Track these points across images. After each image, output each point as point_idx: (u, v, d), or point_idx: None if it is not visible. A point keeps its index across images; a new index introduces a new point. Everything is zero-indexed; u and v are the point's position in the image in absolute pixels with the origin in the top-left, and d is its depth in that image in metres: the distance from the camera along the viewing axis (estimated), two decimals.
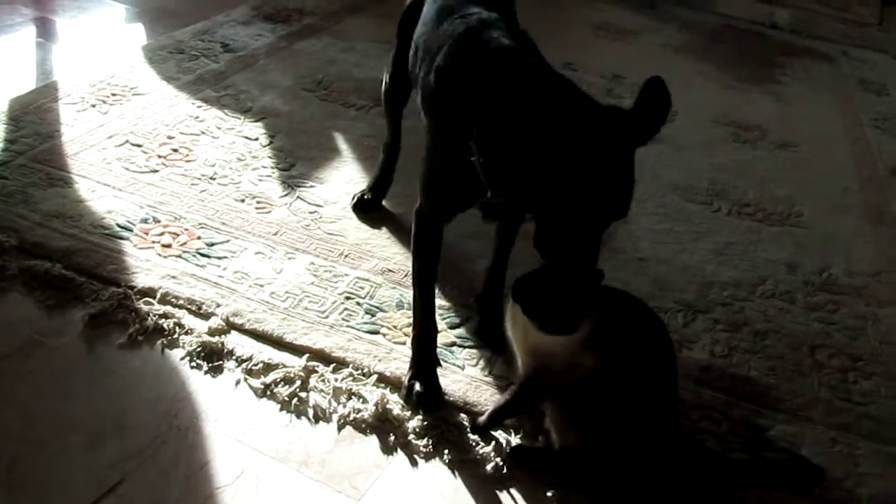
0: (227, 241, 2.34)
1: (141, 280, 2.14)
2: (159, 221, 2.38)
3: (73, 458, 1.67)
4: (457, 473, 1.75)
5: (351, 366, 1.96)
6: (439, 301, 2.13)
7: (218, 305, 2.09)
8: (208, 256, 2.27)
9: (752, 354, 2.20)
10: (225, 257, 2.27)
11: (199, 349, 1.96)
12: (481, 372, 2.00)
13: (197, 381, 1.89)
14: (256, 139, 2.89)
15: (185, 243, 2.30)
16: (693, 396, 2.02)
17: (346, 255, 2.35)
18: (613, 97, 3.66)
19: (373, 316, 2.13)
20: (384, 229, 2.49)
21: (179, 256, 2.25)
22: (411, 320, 1.99)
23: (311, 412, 1.85)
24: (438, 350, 1.99)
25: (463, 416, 1.87)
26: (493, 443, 1.81)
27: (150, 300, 2.08)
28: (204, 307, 2.08)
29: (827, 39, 4.93)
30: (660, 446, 1.70)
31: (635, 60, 4.15)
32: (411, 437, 1.81)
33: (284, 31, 3.83)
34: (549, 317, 1.57)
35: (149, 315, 2.03)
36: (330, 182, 2.70)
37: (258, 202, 2.54)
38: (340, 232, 2.45)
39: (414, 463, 1.77)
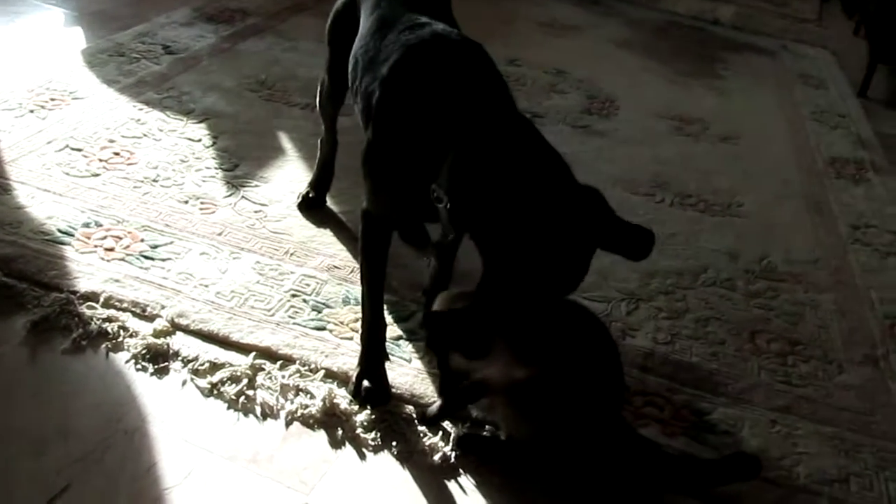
0: (171, 242, 2.33)
1: (84, 285, 2.11)
2: (101, 225, 2.35)
3: (17, 466, 1.64)
4: (405, 465, 1.76)
5: (298, 362, 1.97)
6: (387, 296, 2.14)
7: (163, 307, 2.07)
8: (152, 259, 2.25)
9: (694, 341, 2.24)
10: (169, 259, 2.26)
11: (144, 352, 1.94)
12: (428, 365, 2.01)
13: (143, 384, 1.87)
14: (199, 140, 2.88)
15: (128, 246, 2.28)
16: (637, 383, 2.05)
17: (291, 254, 2.35)
18: (557, 92, 3.70)
19: (319, 312, 2.13)
20: (329, 227, 2.49)
21: (123, 260, 2.23)
22: (359, 316, 2.00)
23: (258, 410, 1.84)
24: (386, 344, 2.00)
25: (410, 408, 1.88)
26: (441, 433, 1.82)
27: (94, 304, 2.05)
28: (148, 309, 2.06)
29: (767, 35, 5.04)
30: (604, 439, 1.72)
31: (579, 56, 4.20)
32: (359, 430, 1.81)
33: (227, 32, 3.81)
34: (460, 347, 1.65)
35: (92, 319, 2.00)
36: (275, 181, 2.70)
37: (202, 203, 2.53)
38: (286, 230, 2.45)
39: (362, 456, 1.77)
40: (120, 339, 1.97)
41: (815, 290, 2.54)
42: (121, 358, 1.93)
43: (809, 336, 2.33)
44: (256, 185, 2.66)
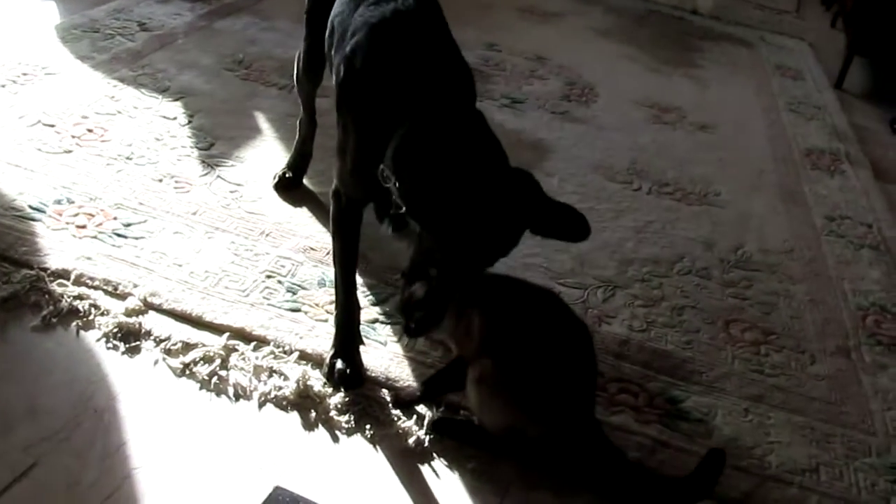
0: (145, 221, 2.30)
1: (54, 262, 2.08)
2: (73, 202, 2.32)
3: None
4: (378, 448, 1.76)
5: (272, 343, 1.95)
6: (363, 278, 2.13)
7: (135, 286, 2.05)
8: (125, 237, 2.22)
9: (670, 329, 2.24)
10: (142, 238, 2.23)
11: (115, 330, 1.92)
12: (403, 348, 2.00)
13: (113, 363, 1.85)
14: (175, 119, 2.84)
15: (100, 224, 2.25)
16: (612, 370, 2.05)
17: (267, 234, 2.33)
18: (537, 77, 3.69)
19: (294, 294, 2.12)
20: (305, 207, 2.47)
21: (95, 237, 2.20)
22: (334, 298, 1.99)
23: (231, 391, 1.83)
24: (361, 326, 1.98)
25: (385, 391, 1.88)
26: (415, 417, 1.81)
27: (65, 282, 2.03)
28: (120, 288, 2.04)
29: (746, 25, 5.06)
30: (572, 433, 1.72)
31: (559, 43, 4.19)
32: (333, 413, 1.80)
33: (204, 10, 3.77)
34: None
35: (63, 297, 1.98)
36: (250, 161, 2.67)
37: (177, 182, 2.50)
38: (261, 211, 2.43)
39: (335, 439, 1.76)
40: (91, 317, 1.95)
41: (789, 280, 2.55)
42: (91, 336, 1.91)
43: (783, 326, 2.34)
44: (232, 165, 2.63)
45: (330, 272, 2.17)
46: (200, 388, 1.83)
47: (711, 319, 2.31)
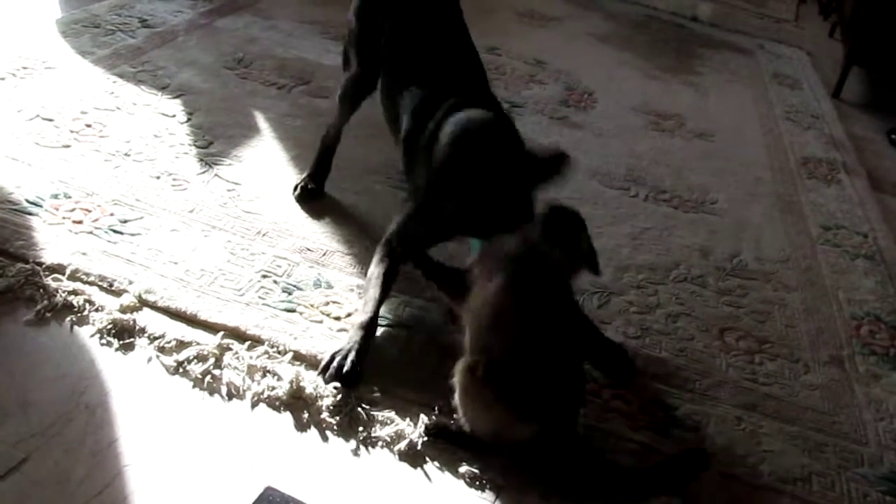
0: (142, 217, 2.29)
1: (50, 256, 2.08)
2: (70, 197, 2.31)
3: None
4: (370, 451, 1.75)
5: (266, 343, 1.95)
6: (360, 281, 2.14)
7: (130, 282, 2.04)
8: (121, 233, 2.21)
9: (664, 336, 2.24)
10: (138, 234, 2.22)
11: (109, 326, 1.91)
12: (399, 353, 2.01)
13: (107, 359, 1.84)
14: (174, 116, 2.83)
15: (97, 219, 2.25)
16: (605, 376, 2.05)
17: (263, 234, 2.33)
18: (536, 82, 3.70)
19: (290, 294, 2.11)
20: (300, 208, 2.47)
21: (91, 233, 2.19)
22: (329, 299, 2.03)
23: (224, 389, 1.82)
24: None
25: (378, 394, 1.87)
26: (407, 420, 1.81)
27: (60, 277, 2.02)
28: (116, 284, 2.03)
29: (745, 33, 5.07)
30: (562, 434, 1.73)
31: (558, 47, 4.20)
32: (325, 414, 1.80)
33: (205, 8, 3.76)
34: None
35: (58, 292, 1.97)
36: (248, 160, 2.67)
37: (174, 179, 2.49)
38: (258, 210, 2.42)
39: (327, 440, 1.76)
40: (85, 312, 1.94)
41: (784, 289, 2.55)
42: (85, 332, 1.90)
43: (777, 335, 2.34)
44: (230, 164, 2.62)
45: (325, 273, 2.19)
46: (193, 387, 1.82)
47: (706, 327, 2.31)
